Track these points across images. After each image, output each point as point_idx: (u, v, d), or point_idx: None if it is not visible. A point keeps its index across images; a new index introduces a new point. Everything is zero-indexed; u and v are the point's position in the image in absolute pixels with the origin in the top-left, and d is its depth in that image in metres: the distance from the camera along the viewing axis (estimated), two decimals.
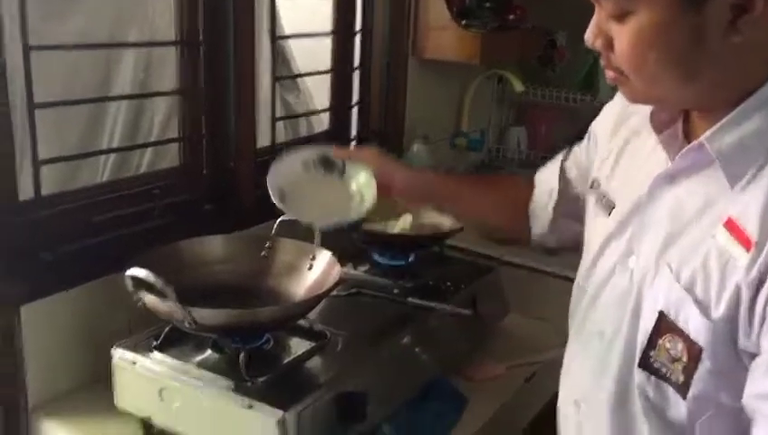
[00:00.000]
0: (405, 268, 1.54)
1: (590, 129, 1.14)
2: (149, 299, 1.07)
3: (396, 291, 1.44)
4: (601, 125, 1.08)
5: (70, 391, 1.30)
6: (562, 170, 1.17)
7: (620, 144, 0.99)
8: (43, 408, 1.25)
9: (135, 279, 1.06)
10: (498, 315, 1.58)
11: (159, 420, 1.16)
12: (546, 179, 1.20)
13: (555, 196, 1.17)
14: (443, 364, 1.37)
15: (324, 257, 1.26)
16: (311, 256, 1.28)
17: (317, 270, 1.26)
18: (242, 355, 1.10)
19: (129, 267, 1.10)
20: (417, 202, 1.44)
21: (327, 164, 1.19)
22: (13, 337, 1.20)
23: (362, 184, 1.16)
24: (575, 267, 1.05)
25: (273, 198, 1.13)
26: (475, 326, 1.48)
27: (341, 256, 1.53)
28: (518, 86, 2.22)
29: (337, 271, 1.19)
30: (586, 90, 2.34)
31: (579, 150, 1.16)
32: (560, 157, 1.20)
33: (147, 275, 1.03)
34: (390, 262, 1.56)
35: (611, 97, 1.05)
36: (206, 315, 1.06)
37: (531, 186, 1.23)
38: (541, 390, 1.48)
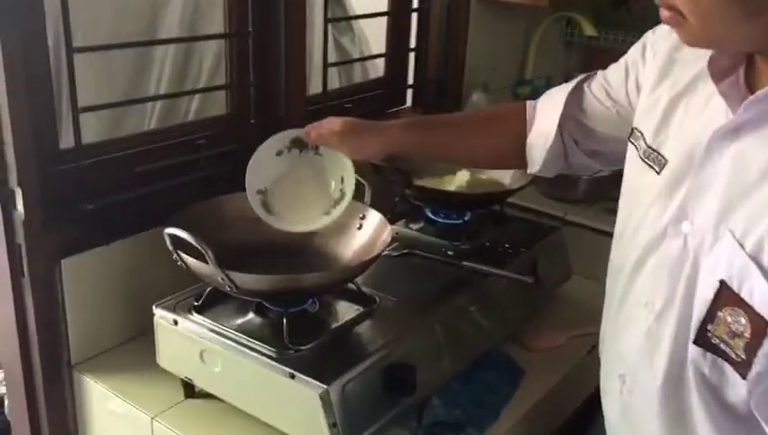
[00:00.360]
0: (461, 227, 1.45)
1: (624, 63, 1.03)
2: (189, 260, 1.01)
3: (450, 253, 1.36)
4: (642, 69, 0.98)
5: (112, 345, 1.27)
6: (579, 101, 1.09)
7: (670, 95, 0.89)
8: (86, 363, 1.23)
9: (174, 238, 1.00)
10: (560, 280, 1.48)
11: (201, 383, 1.12)
12: (546, 119, 1.12)
13: (550, 141, 1.11)
14: (499, 332, 1.29)
15: (375, 218, 1.17)
16: (360, 216, 1.20)
17: (367, 231, 1.18)
18: (285, 322, 1.04)
19: (168, 225, 1.05)
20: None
21: (301, 144, 1.16)
22: (54, 291, 1.17)
23: (339, 161, 1.14)
24: None
25: (255, 209, 1.13)
26: (535, 291, 1.39)
27: (392, 212, 1.47)
28: (589, 30, 2.06)
29: (388, 234, 1.11)
30: None
31: (612, 85, 1.06)
32: (566, 88, 1.11)
33: (185, 235, 0.97)
34: (445, 220, 1.47)
35: None
36: (247, 280, 1.00)
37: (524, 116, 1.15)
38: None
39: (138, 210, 1.27)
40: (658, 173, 0.87)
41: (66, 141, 1.21)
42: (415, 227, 1.48)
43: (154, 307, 1.13)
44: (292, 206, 1.15)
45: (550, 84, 2.29)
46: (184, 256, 1.01)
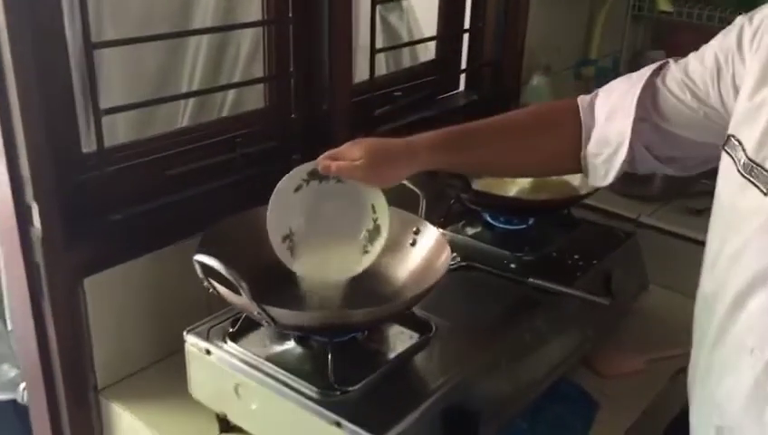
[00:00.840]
0: (523, 234, 1.31)
1: (713, 56, 0.86)
2: (222, 290, 0.89)
3: (513, 265, 1.21)
4: (740, 64, 0.82)
5: (141, 367, 1.17)
6: (654, 100, 0.92)
7: None
8: (114, 387, 1.13)
9: (204, 265, 0.88)
10: (636, 293, 1.33)
11: (236, 419, 1.00)
12: (613, 125, 0.94)
13: (623, 153, 0.94)
14: (570, 360, 1.14)
15: (431, 234, 1.04)
16: (413, 230, 1.06)
17: (422, 248, 1.04)
18: (330, 356, 0.91)
19: (200, 246, 0.93)
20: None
21: (319, 174, 0.99)
22: (77, 312, 1.07)
23: (366, 187, 0.99)
24: None
25: (285, 262, 0.99)
26: (608, 307, 1.23)
27: (447, 215, 1.33)
28: (664, 5, 1.85)
29: (447, 256, 0.97)
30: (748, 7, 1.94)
31: (697, 82, 0.89)
32: (632, 84, 0.94)
33: (217, 264, 0.85)
34: (505, 226, 1.32)
35: None
36: (287, 316, 0.87)
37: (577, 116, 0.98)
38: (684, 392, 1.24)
39: (169, 219, 1.15)
40: (766, 194, 0.72)
41: (89, 145, 1.09)
42: (471, 232, 1.34)
43: (185, 334, 1.02)
44: (326, 245, 1.00)
45: (617, 65, 2.11)
46: (216, 284, 0.89)
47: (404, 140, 0.97)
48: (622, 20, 2.12)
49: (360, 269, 1.00)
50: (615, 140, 0.94)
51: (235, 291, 0.85)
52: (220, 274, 0.86)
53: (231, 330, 1.01)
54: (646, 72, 0.94)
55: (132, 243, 1.11)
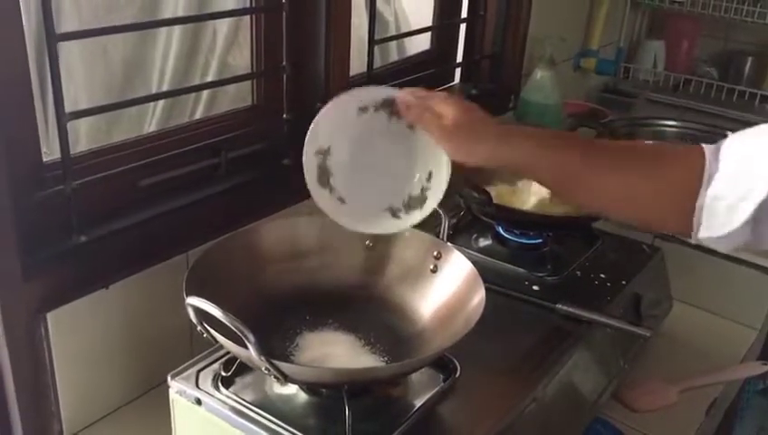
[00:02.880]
0: (540, 249, 1.18)
1: None
2: (222, 340, 0.74)
3: (536, 288, 1.09)
4: None
5: (114, 408, 1.01)
6: None
7: None
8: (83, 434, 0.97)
9: (198, 310, 0.73)
10: (663, 315, 1.21)
11: None
12: (747, 167, 0.76)
13: (752, 205, 0.74)
14: (603, 395, 1.03)
15: (459, 263, 0.90)
16: (434, 254, 0.93)
17: (446, 277, 0.91)
18: (347, 409, 0.77)
19: (188, 286, 0.78)
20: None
21: (393, 108, 0.85)
22: (38, 351, 0.90)
23: (435, 150, 0.84)
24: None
25: (306, 173, 0.84)
26: (634, 333, 1.12)
27: (456, 226, 1.20)
28: None
29: (482, 297, 0.83)
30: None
31: None
32: None
33: (216, 311, 0.69)
34: (520, 239, 1.19)
35: None
36: (300, 372, 0.73)
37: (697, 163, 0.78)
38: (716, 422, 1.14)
39: (144, 239, 0.99)
40: None
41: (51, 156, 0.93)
42: (482, 244, 1.21)
43: (169, 379, 0.86)
44: (354, 180, 0.86)
45: (620, 56, 1.99)
46: (214, 333, 0.74)
47: (498, 120, 0.83)
48: (620, 9, 2.00)
49: (375, 231, 0.88)
50: (747, 184, 0.78)
51: (239, 342, 0.71)
52: (217, 318, 0.72)
53: (224, 374, 0.86)
54: None
55: (102, 268, 0.94)
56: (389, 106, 0.85)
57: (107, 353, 0.98)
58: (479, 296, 0.83)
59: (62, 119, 0.87)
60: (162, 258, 1.00)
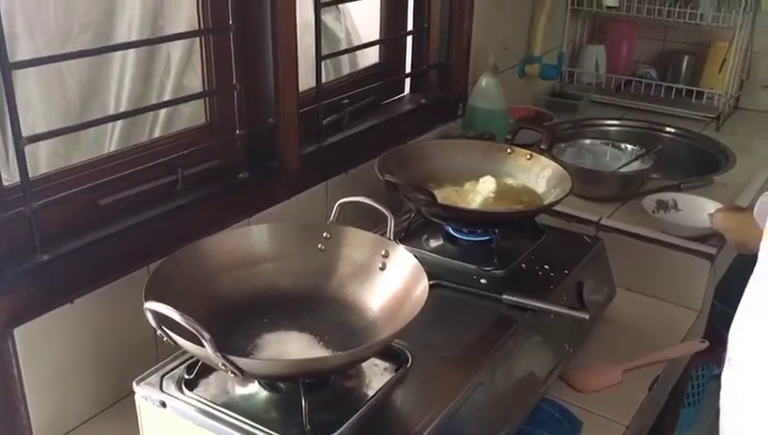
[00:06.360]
0: (488, 246, 1.24)
1: None
2: (180, 341, 0.79)
3: (484, 281, 1.15)
4: None
5: (87, 421, 1.04)
6: None
7: None
8: None
9: (157, 314, 0.77)
10: (605, 301, 1.29)
11: None
12: None
13: None
14: (550, 377, 1.09)
15: (402, 257, 0.96)
16: (382, 253, 0.99)
17: (393, 272, 0.97)
18: (303, 401, 0.82)
19: (148, 291, 0.82)
20: None
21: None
22: (7, 370, 0.94)
23: None
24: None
25: None
26: (574, 317, 1.18)
27: (407, 230, 1.26)
28: (610, 0, 1.83)
29: (425, 286, 0.89)
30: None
31: None
32: None
33: (174, 313, 0.74)
34: (469, 238, 1.26)
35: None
36: (255, 366, 0.78)
37: None
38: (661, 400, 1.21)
39: (106, 255, 1.03)
40: None
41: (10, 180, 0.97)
42: (433, 245, 1.27)
43: (135, 384, 0.91)
44: None
45: (562, 61, 2.08)
46: (173, 335, 0.79)
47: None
48: (561, 16, 2.09)
49: None
50: None
51: (196, 342, 0.75)
52: (176, 321, 0.76)
53: (187, 377, 0.90)
54: None
55: (66, 285, 0.98)
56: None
57: (75, 366, 1.02)
58: (422, 286, 0.89)
59: (20, 142, 0.91)
60: (124, 272, 1.04)
